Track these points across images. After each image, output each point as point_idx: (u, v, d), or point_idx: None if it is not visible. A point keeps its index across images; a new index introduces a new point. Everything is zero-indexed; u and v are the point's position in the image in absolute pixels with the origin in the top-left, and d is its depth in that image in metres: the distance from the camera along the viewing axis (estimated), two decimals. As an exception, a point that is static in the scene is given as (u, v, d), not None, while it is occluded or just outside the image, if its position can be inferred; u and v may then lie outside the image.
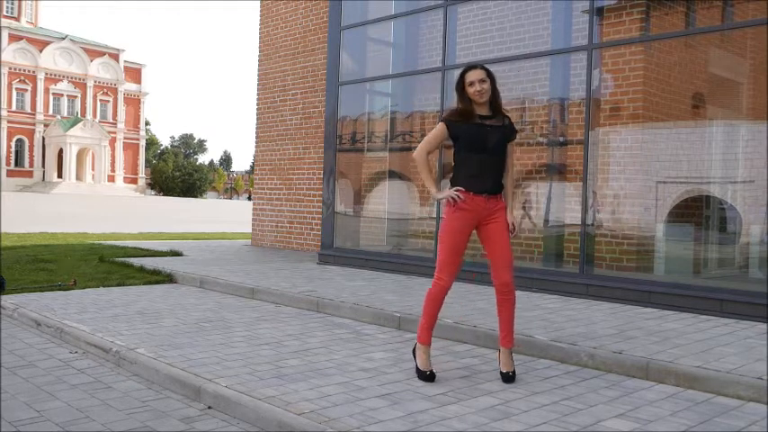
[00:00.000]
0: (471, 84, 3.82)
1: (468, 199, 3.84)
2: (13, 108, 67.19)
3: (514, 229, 3.91)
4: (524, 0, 7.85)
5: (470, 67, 3.89)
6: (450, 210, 3.88)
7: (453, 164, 3.95)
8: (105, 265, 8.74)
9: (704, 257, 6.89)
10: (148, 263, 8.54)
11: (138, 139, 77.36)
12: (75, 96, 71.82)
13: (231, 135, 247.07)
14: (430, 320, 3.95)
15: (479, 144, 3.84)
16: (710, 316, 5.57)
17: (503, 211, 3.91)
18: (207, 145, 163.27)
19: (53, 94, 70.19)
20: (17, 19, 70.66)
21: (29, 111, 68.45)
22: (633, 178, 7.08)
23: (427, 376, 3.83)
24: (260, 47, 12.42)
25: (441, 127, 3.91)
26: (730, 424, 3.24)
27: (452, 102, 8.40)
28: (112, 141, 72.61)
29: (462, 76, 3.86)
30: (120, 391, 3.79)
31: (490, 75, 3.86)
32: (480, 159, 3.85)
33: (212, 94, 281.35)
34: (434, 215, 8.13)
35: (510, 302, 3.93)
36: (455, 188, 3.86)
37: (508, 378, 3.86)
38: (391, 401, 3.44)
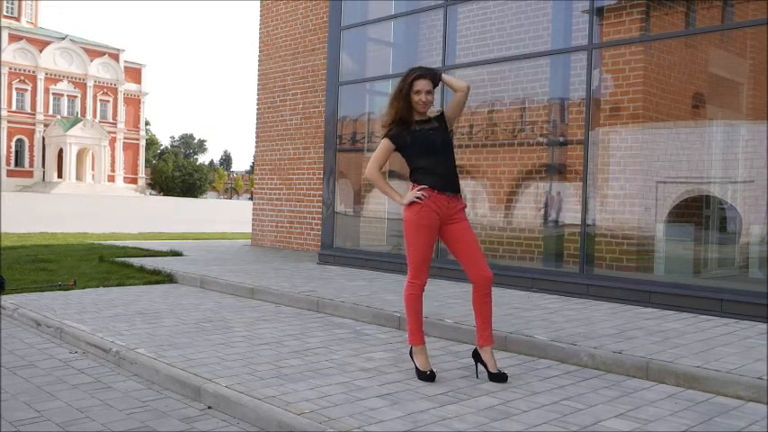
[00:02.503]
0: (418, 92, 3.85)
1: (433, 197, 3.88)
2: (13, 108, 67.19)
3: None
4: (524, 0, 7.85)
5: (420, 75, 3.87)
6: (414, 209, 3.89)
7: (410, 172, 3.99)
8: (105, 264, 8.74)
9: (704, 257, 6.89)
10: (148, 263, 8.54)
11: (138, 139, 77.35)
12: (75, 96, 71.82)
13: (231, 135, 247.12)
14: (417, 321, 3.96)
15: (429, 147, 3.90)
16: (710, 316, 5.57)
17: (462, 210, 3.96)
18: (207, 145, 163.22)
19: (53, 94, 70.19)
20: (17, 19, 70.65)
21: (29, 111, 68.45)
22: (633, 178, 7.08)
23: (427, 376, 3.83)
24: (260, 47, 12.42)
25: (386, 143, 3.95)
26: (730, 424, 3.24)
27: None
28: (112, 141, 72.62)
29: (411, 82, 3.85)
30: (120, 391, 3.79)
31: (436, 86, 3.91)
32: (435, 161, 3.90)
33: (212, 94, 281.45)
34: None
35: (489, 297, 3.92)
36: (419, 188, 3.89)
37: (501, 377, 3.83)
38: (391, 401, 3.44)
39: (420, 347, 3.94)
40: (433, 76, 3.89)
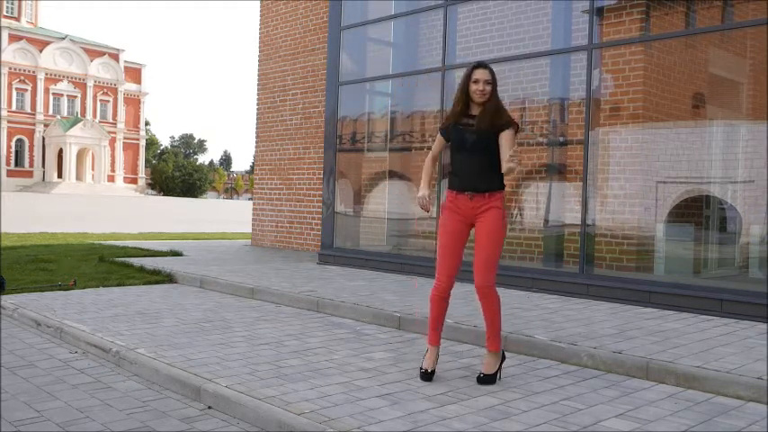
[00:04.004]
0: (476, 81, 3.83)
1: (452, 198, 3.90)
2: (13, 108, 67.16)
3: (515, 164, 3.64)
4: (524, 0, 7.85)
5: (480, 65, 3.89)
6: (443, 211, 3.96)
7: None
8: (105, 265, 8.73)
9: (704, 257, 6.89)
10: (148, 263, 8.54)
11: (138, 139, 77.33)
12: (75, 96, 71.80)
13: (231, 135, 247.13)
14: (433, 321, 3.94)
15: (459, 143, 3.91)
16: (710, 316, 5.57)
17: (491, 210, 3.82)
18: (207, 145, 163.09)
19: (53, 94, 70.17)
20: (17, 19, 70.62)
21: (29, 111, 68.42)
22: (633, 178, 7.08)
23: (423, 374, 3.84)
24: (260, 47, 12.42)
25: (438, 136, 4.07)
26: (730, 424, 3.25)
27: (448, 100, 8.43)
28: (112, 141, 72.59)
29: (470, 71, 3.87)
30: (120, 391, 3.79)
31: (494, 78, 3.86)
32: (461, 159, 3.90)
33: (212, 94, 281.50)
34: (435, 215, 8.13)
35: (488, 304, 3.86)
36: (421, 195, 3.95)
37: (480, 380, 3.79)
38: (391, 401, 3.44)
39: (431, 347, 3.93)
40: (492, 72, 3.86)
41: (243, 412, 3.36)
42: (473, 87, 3.83)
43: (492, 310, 3.87)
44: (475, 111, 3.89)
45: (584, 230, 6.76)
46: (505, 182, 3.97)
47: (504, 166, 3.72)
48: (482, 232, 3.85)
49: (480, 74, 3.83)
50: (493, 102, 3.86)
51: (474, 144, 3.85)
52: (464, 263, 3.97)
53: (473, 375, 3.93)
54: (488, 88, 3.82)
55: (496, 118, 3.83)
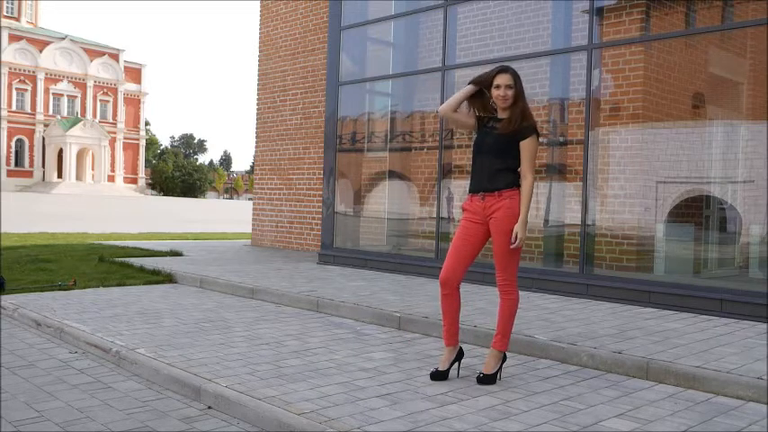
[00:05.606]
0: (498, 87, 3.79)
1: (468, 199, 3.93)
2: (13, 108, 67.11)
3: (515, 239, 3.74)
4: (524, 0, 7.85)
5: (502, 69, 3.83)
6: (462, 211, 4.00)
7: None
8: (105, 265, 8.74)
9: (704, 257, 6.89)
10: (148, 263, 8.54)
11: (138, 139, 77.31)
12: (75, 96, 71.76)
13: (231, 135, 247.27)
14: (444, 321, 3.92)
15: (479, 146, 3.91)
16: (710, 316, 5.57)
17: (502, 210, 3.79)
18: (207, 145, 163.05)
19: (53, 94, 70.12)
20: (17, 19, 70.61)
21: (29, 111, 68.39)
22: (633, 178, 7.08)
23: (431, 373, 3.85)
24: (260, 47, 12.42)
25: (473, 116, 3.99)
26: (730, 424, 3.25)
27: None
28: (112, 141, 72.55)
29: (493, 76, 3.82)
30: (120, 391, 3.79)
31: (518, 82, 3.81)
32: (479, 160, 3.90)
33: (212, 94, 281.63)
34: (434, 215, 8.13)
35: (502, 302, 3.89)
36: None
37: (480, 380, 3.78)
38: (391, 401, 3.44)
39: (447, 348, 3.90)
40: (515, 75, 3.80)
41: (243, 412, 3.37)
42: (495, 93, 3.80)
43: (503, 307, 3.88)
44: (501, 113, 3.86)
45: (584, 230, 6.76)
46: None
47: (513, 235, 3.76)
48: (494, 233, 3.83)
49: (501, 79, 3.78)
50: (519, 106, 3.80)
51: (491, 146, 3.85)
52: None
53: (473, 375, 3.93)
54: (510, 93, 3.77)
55: (521, 122, 3.80)
